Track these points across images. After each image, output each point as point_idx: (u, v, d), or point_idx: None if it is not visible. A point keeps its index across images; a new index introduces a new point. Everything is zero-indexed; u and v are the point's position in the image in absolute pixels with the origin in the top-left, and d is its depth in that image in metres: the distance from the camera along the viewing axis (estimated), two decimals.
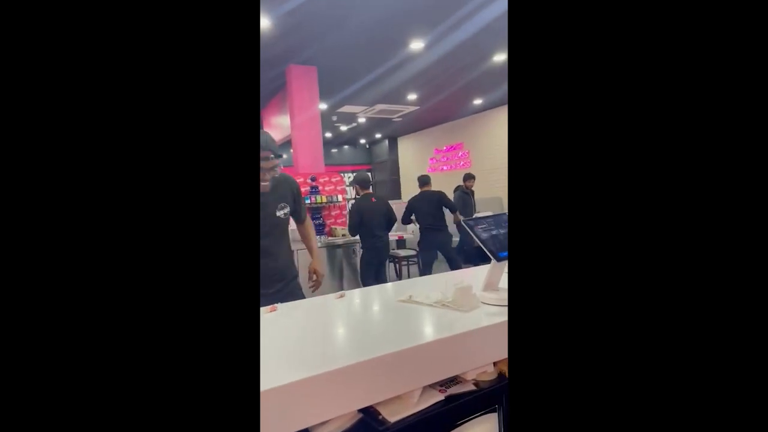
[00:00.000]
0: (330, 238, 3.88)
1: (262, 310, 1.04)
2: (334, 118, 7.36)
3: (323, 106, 5.87)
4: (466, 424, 0.78)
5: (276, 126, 5.26)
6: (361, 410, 0.73)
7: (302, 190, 3.95)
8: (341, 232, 3.94)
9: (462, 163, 8.30)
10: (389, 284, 1.36)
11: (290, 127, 4.44)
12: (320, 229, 4.01)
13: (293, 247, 1.70)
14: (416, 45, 3.95)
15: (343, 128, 8.52)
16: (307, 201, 3.98)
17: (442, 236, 3.69)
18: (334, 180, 4.25)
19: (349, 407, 0.69)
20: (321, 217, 4.09)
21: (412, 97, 6.02)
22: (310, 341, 0.84)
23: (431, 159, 9.30)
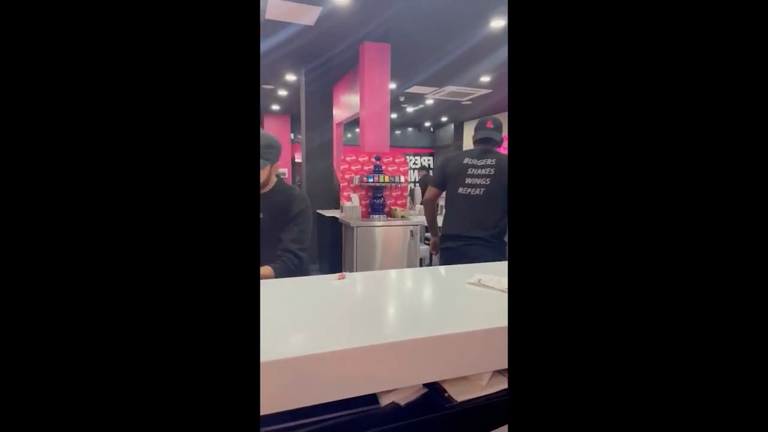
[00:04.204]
0: (389, 218, 3.91)
1: (332, 276, 1.07)
2: (402, 99, 7.29)
3: (392, 85, 5.83)
4: None
5: (344, 104, 5.34)
6: (426, 385, 0.73)
7: (367, 168, 4.05)
8: (400, 214, 3.95)
9: None
10: (455, 267, 1.33)
11: (359, 105, 4.48)
12: (380, 209, 4.04)
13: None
14: (497, 23, 3.74)
15: (410, 109, 8.43)
16: (370, 180, 4.01)
17: None
18: (397, 161, 4.23)
19: (415, 380, 0.69)
20: (382, 196, 4.10)
21: (485, 79, 5.76)
22: (377, 313, 0.85)
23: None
